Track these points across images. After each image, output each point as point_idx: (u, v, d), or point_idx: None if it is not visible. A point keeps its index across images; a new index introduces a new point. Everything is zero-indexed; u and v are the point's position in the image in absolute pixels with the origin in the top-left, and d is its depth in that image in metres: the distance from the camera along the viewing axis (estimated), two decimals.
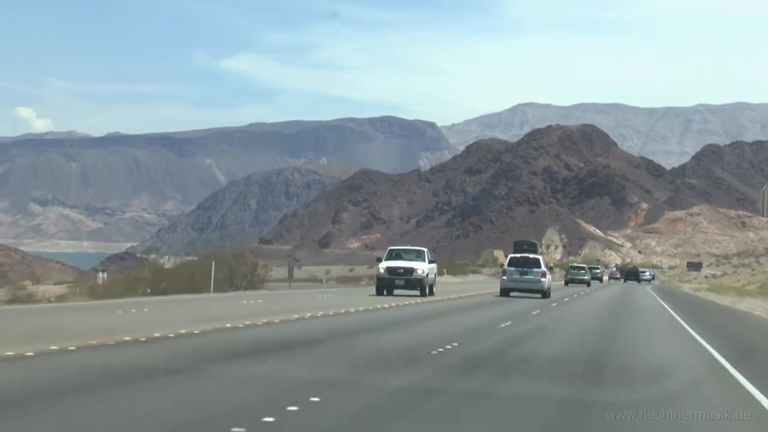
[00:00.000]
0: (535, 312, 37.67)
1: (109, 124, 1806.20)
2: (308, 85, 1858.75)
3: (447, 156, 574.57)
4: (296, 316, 28.01)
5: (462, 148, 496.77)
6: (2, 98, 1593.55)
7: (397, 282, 48.95)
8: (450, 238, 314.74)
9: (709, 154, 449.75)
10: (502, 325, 28.22)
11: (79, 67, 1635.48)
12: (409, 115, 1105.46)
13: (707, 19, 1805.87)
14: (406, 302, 40.77)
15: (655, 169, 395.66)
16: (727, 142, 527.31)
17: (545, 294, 55.83)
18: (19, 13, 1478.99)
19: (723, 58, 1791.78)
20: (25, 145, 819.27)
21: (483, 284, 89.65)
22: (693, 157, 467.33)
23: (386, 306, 37.05)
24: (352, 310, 33.07)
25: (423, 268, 49.24)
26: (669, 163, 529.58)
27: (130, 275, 54.55)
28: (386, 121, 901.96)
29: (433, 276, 51.92)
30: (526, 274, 56.26)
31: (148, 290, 46.50)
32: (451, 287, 71.26)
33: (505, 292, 56.29)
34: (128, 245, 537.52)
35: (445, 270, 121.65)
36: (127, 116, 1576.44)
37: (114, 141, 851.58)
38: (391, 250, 54.36)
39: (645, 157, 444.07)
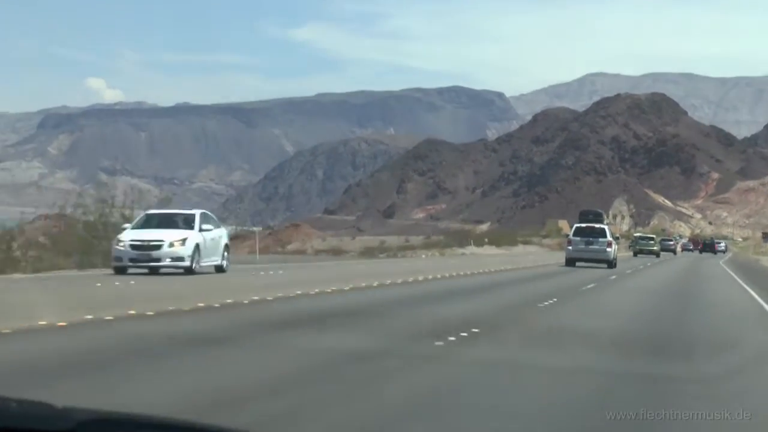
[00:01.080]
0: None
1: (178, 94, 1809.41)
2: (376, 54, 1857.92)
3: (515, 126, 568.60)
4: None
5: (531, 118, 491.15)
6: (73, 69, 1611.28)
7: None
8: (516, 209, 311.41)
9: None
10: None
11: (150, 38, 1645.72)
12: (477, 85, 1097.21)
13: None
14: None
15: (726, 138, 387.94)
16: None
17: (611, 264, 55.97)
18: None
19: None
20: (94, 114, 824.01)
21: (521, 257, 78.59)
22: (765, 126, 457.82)
23: None
24: None
25: None
26: (740, 133, 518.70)
27: None
28: (453, 91, 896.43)
29: None
30: (591, 244, 56.92)
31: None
32: (450, 262, 61.04)
33: (570, 261, 56.75)
34: None
35: (486, 239, 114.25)
36: (196, 86, 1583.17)
37: (182, 111, 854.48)
38: None
39: (716, 126, 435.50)
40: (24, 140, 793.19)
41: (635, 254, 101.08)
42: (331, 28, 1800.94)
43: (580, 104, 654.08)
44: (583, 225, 60.38)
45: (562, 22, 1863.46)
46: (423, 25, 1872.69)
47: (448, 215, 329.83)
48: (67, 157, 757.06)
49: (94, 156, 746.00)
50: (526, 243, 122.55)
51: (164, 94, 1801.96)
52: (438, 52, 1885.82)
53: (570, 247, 57.89)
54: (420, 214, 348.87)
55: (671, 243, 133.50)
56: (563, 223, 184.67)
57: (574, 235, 58.49)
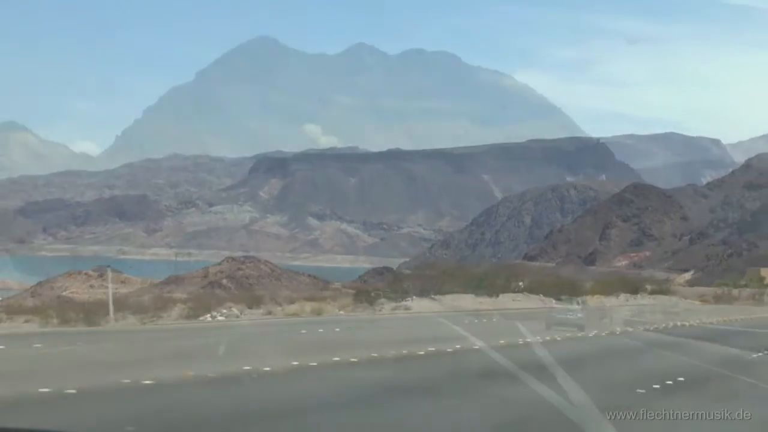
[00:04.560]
0: None
1: (390, 139, 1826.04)
2: (589, 101, 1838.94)
3: None
4: None
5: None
6: (292, 115, 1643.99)
7: None
8: (722, 257, 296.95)
9: None
10: None
11: (365, 85, 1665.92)
12: (692, 132, 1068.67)
13: None
14: None
15: None
16: None
17: None
18: (312, 34, 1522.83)
19: None
20: (305, 159, 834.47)
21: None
22: None
23: None
24: None
25: None
26: None
27: None
28: (668, 137, 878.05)
29: None
30: None
31: None
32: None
33: None
34: (401, 261, 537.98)
35: (521, 283, 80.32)
36: (408, 132, 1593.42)
37: (393, 156, 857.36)
38: None
39: None
40: (236, 184, 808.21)
41: None
42: (543, 75, 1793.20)
43: None
44: None
45: None
46: (638, 72, 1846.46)
47: (653, 263, 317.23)
48: (278, 201, 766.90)
49: (304, 200, 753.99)
50: (657, 293, 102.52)
51: (376, 140, 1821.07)
52: (652, 98, 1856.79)
53: None
54: (623, 261, 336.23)
55: None
56: (766, 272, 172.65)
57: None
